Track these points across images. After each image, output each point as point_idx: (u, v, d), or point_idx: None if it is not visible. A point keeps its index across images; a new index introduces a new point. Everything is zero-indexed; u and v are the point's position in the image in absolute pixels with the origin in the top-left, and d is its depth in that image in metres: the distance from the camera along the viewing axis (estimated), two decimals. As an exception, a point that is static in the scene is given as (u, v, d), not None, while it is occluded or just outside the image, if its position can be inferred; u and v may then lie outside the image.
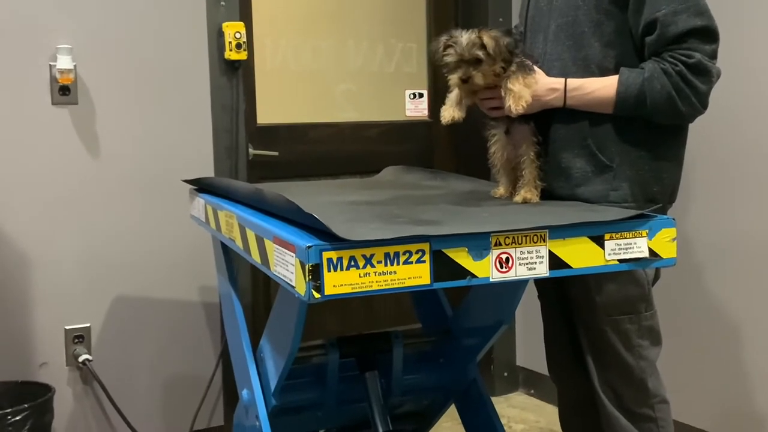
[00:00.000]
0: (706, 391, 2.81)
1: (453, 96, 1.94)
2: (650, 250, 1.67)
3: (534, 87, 1.88)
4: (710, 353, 2.80)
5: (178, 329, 2.95)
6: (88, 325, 2.81)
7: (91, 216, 2.79)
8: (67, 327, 2.78)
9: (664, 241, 1.68)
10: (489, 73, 1.87)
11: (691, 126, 1.98)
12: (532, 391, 3.58)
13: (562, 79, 1.93)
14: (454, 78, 1.88)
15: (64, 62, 2.66)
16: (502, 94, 1.88)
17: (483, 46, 1.84)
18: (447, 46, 1.88)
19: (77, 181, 2.76)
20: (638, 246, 1.66)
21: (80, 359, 2.76)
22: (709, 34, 1.85)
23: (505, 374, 3.63)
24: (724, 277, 2.73)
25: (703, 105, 1.87)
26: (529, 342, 3.52)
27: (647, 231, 1.66)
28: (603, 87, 1.90)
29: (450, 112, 1.92)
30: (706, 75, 1.84)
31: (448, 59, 1.88)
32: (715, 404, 2.80)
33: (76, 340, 2.78)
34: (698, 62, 1.83)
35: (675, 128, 1.96)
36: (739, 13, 2.56)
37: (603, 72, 1.92)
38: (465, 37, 1.85)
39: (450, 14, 3.53)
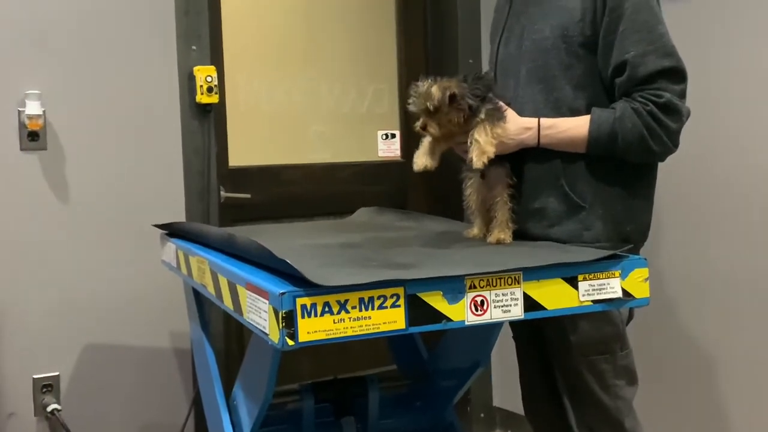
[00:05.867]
0: (682, 429, 2.80)
1: (426, 143, 1.94)
2: (623, 290, 1.68)
3: (501, 137, 1.89)
4: (686, 391, 2.80)
5: (149, 377, 2.90)
6: (56, 373, 2.75)
7: (60, 262, 2.74)
8: (35, 376, 2.72)
9: (637, 281, 1.69)
10: (444, 122, 1.87)
11: (661, 163, 2.00)
12: (510, 432, 3.55)
13: (536, 119, 1.94)
14: (415, 126, 1.91)
15: (32, 108, 2.64)
16: (468, 143, 1.89)
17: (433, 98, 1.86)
18: (411, 96, 1.90)
19: (46, 227, 2.72)
20: (611, 286, 1.67)
21: (49, 409, 2.70)
22: (677, 75, 1.88)
23: (482, 415, 3.60)
24: (698, 313, 2.74)
25: (674, 143, 1.90)
26: (505, 382, 3.50)
27: (620, 271, 1.67)
28: (575, 126, 1.92)
29: (423, 160, 1.92)
30: (676, 114, 1.87)
31: (411, 108, 1.90)
32: (692, 442, 2.79)
33: (45, 390, 2.72)
34: (668, 101, 1.85)
35: (646, 167, 1.98)
36: (706, 53, 2.60)
37: (574, 113, 1.94)
38: (423, 87, 1.87)
39: (420, 56, 3.56)
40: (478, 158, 1.85)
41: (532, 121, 1.94)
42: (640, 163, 1.95)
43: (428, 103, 1.85)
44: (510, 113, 1.94)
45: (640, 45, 1.86)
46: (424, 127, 1.89)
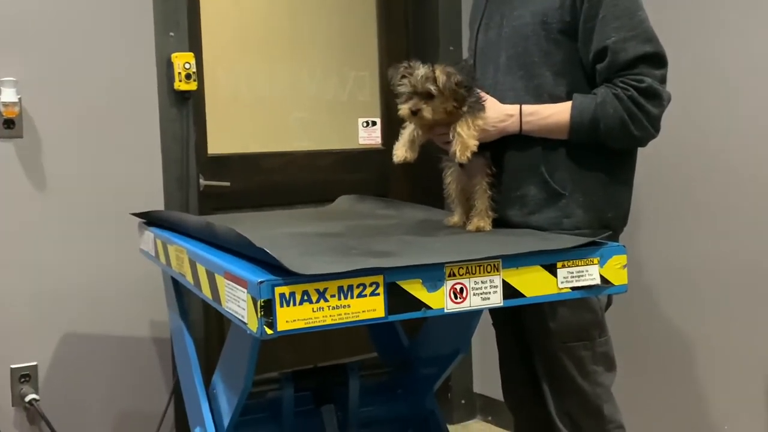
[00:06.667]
0: (661, 415, 2.83)
1: (406, 134, 1.93)
2: (602, 277, 1.68)
3: (483, 127, 1.89)
4: (664, 377, 2.82)
5: (128, 366, 2.88)
6: (34, 363, 2.73)
7: (38, 251, 2.72)
8: (12, 366, 2.69)
9: (616, 268, 1.69)
10: (439, 109, 1.86)
11: (640, 149, 2.01)
12: (490, 418, 3.56)
13: (517, 105, 1.94)
14: (404, 109, 1.88)
15: (8, 95, 2.60)
16: (451, 137, 1.88)
17: (436, 81, 1.84)
18: (403, 76, 1.87)
19: (23, 215, 2.69)
20: (590, 273, 1.67)
21: (27, 399, 2.68)
22: (658, 60, 1.89)
23: (463, 402, 3.62)
24: (676, 300, 2.76)
25: (656, 128, 1.90)
26: (485, 369, 3.52)
27: (598, 258, 1.68)
28: (557, 112, 1.92)
29: (402, 151, 1.91)
30: (657, 99, 1.88)
31: (402, 89, 1.88)
32: (670, 427, 2.81)
33: (22, 380, 2.70)
34: (649, 86, 1.86)
35: (626, 153, 1.99)
36: (686, 40, 2.61)
37: (555, 100, 1.94)
38: (421, 69, 1.85)
39: (402, 43, 3.54)
40: (461, 153, 1.85)
41: (513, 108, 1.94)
42: (621, 148, 1.95)
43: (431, 86, 1.83)
44: (490, 101, 1.94)
45: (620, 31, 1.86)
46: (415, 111, 1.86)
